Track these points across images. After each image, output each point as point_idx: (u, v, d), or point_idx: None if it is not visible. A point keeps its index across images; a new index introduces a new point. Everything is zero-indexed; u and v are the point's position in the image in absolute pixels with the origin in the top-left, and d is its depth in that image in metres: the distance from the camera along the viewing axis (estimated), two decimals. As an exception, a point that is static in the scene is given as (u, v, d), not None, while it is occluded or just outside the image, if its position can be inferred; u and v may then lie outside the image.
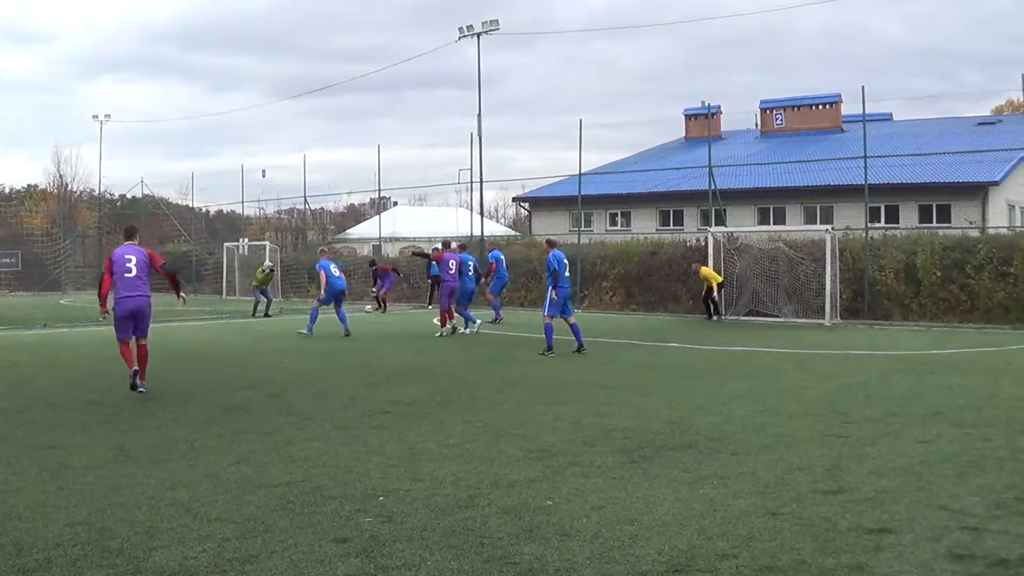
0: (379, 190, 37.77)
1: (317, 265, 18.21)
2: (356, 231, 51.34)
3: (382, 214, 42.80)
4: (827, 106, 38.15)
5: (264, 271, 24.17)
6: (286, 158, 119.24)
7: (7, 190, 57.62)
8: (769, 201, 32.17)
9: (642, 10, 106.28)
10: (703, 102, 37.84)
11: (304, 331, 16.96)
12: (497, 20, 32.51)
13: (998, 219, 27.85)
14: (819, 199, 30.75)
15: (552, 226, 34.38)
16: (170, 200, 48.91)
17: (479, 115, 35.05)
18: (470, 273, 17.89)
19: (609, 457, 6.47)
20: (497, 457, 6.49)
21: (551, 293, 13.77)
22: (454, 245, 18.88)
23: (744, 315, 21.84)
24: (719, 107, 38.99)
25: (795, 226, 28.35)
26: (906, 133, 34.41)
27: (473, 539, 4.60)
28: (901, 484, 5.66)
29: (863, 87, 39.96)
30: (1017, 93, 46.91)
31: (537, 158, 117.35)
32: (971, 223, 25.97)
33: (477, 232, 31.48)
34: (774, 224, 30.20)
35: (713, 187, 25.54)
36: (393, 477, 5.92)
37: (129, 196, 47.86)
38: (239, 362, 12.94)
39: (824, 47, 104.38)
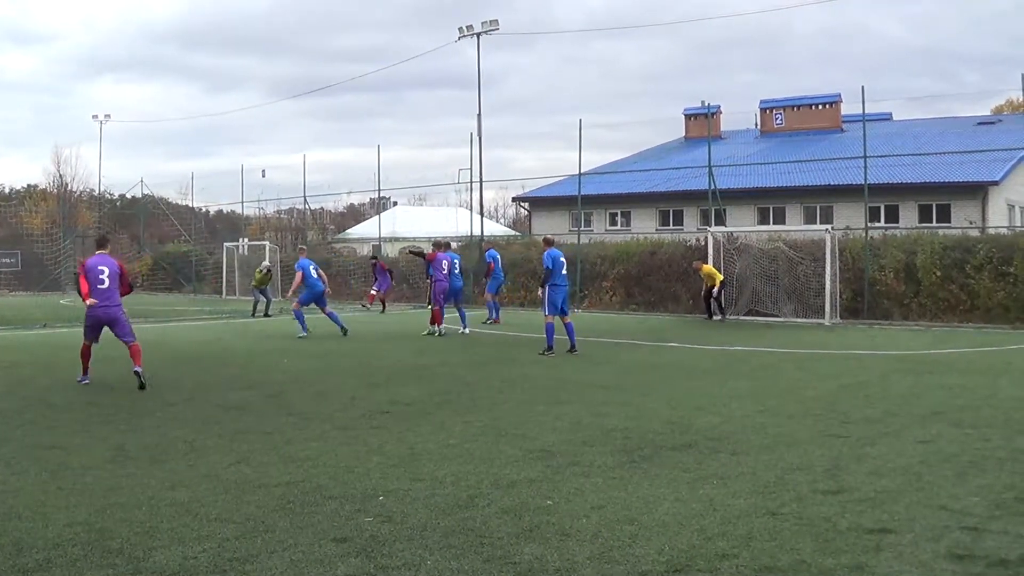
0: (379, 190, 37.91)
1: (296, 264, 18.07)
2: (356, 231, 51.38)
3: (382, 214, 42.88)
4: (827, 106, 38.12)
5: (263, 271, 24.17)
6: (286, 158, 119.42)
7: (7, 190, 57.75)
8: (769, 201, 32.18)
9: (642, 10, 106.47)
10: (703, 102, 37.91)
11: (300, 335, 16.93)
12: (497, 20, 32.60)
13: (998, 219, 27.84)
14: (819, 199, 30.75)
15: (552, 226, 34.35)
16: (170, 200, 49.01)
17: (479, 115, 35.15)
18: (456, 271, 18.22)
19: (609, 457, 6.47)
20: (497, 457, 6.49)
21: (543, 291, 13.89)
22: (453, 246, 18.96)
23: (744, 315, 21.86)
24: (719, 107, 38.99)
25: (795, 226, 28.34)
26: (906, 133, 34.42)
27: (473, 539, 4.60)
28: (901, 484, 5.66)
29: (863, 87, 40.11)
30: (1017, 93, 46.87)
31: (537, 158, 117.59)
32: (971, 223, 25.96)
33: (477, 232, 31.50)
34: (774, 224, 30.19)
35: (713, 187, 25.54)
36: (393, 477, 5.92)
37: (129, 196, 47.93)
38: (239, 362, 12.94)
39: (824, 47, 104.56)
